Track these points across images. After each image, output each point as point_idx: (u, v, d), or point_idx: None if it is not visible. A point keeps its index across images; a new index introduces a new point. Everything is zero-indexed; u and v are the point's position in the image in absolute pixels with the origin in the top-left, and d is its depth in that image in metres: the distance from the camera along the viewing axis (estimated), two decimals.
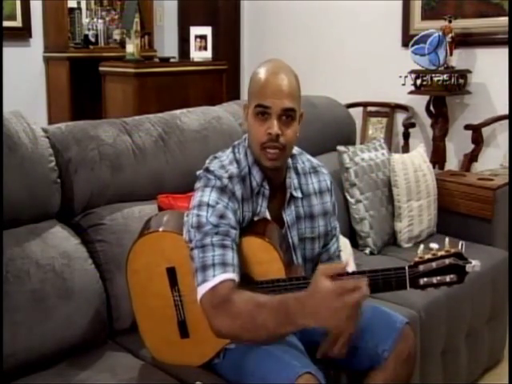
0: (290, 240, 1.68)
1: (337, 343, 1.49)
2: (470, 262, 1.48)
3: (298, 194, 1.70)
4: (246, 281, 1.55)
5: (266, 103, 1.55)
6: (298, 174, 1.72)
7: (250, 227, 1.60)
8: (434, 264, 1.48)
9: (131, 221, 1.91)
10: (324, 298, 1.33)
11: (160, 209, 1.97)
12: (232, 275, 1.47)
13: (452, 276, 1.48)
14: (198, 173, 1.63)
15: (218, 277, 1.46)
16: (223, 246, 1.50)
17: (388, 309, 1.73)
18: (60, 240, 1.78)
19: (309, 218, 1.71)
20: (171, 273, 1.61)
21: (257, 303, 1.42)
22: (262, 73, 1.59)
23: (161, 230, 1.64)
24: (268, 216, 1.64)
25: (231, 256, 1.50)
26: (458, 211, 2.70)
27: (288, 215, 1.68)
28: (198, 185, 1.61)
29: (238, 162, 1.63)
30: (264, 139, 1.56)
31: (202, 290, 1.48)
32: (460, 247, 1.50)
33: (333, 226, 1.79)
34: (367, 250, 2.53)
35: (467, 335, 2.39)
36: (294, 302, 1.38)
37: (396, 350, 1.59)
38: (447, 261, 1.48)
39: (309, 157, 1.79)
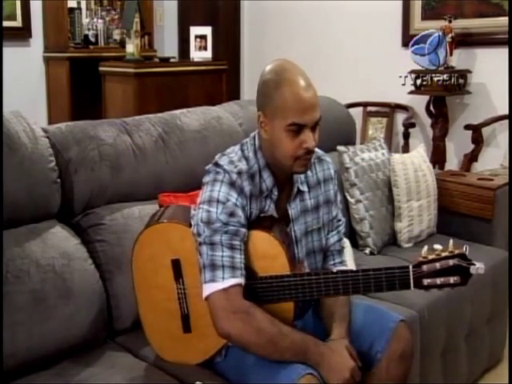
0: (293, 234, 1.67)
1: None
2: (474, 264, 1.47)
3: (305, 188, 1.69)
4: (250, 275, 1.55)
5: (302, 122, 1.51)
6: None
7: (256, 222, 1.60)
8: (437, 264, 1.48)
9: (131, 221, 1.91)
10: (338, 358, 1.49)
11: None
12: (240, 280, 1.50)
13: (456, 278, 1.48)
14: (207, 167, 1.62)
15: (227, 280, 1.48)
16: (232, 247, 1.50)
17: (382, 307, 1.73)
18: (60, 240, 1.78)
19: (315, 210, 1.71)
20: (176, 265, 1.60)
21: (280, 330, 1.48)
22: (288, 86, 1.51)
23: (167, 221, 1.64)
24: (275, 212, 1.64)
25: (239, 259, 1.51)
26: (458, 211, 2.70)
27: (293, 208, 1.67)
28: (206, 179, 1.59)
29: (246, 159, 1.62)
30: (300, 152, 1.54)
31: (210, 288, 1.49)
32: (464, 249, 1.50)
33: (334, 215, 1.76)
34: (367, 250, 2.53)
35: (467, 335, 2.39)
36: (313, 347, 1.49)
37: (389, 350, 1.58)
38: (451, 262, 1.48)
39: None
